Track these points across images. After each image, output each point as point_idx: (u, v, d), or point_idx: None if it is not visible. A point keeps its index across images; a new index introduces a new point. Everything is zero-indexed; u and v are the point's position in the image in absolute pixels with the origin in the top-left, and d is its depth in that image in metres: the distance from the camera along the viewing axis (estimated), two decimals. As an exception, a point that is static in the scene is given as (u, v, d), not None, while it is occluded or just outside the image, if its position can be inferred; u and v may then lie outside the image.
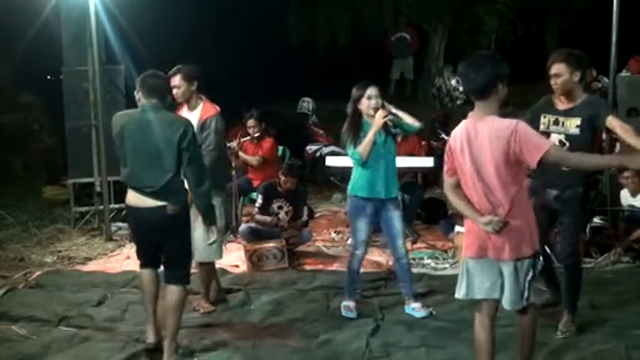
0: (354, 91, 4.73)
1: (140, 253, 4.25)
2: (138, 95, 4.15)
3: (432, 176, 8.68)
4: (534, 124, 4.17)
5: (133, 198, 4.02)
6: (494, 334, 3.44)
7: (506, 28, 12.03)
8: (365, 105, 4.66)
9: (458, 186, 3.39)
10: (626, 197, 6.18)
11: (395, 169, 4.81)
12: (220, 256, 4.92)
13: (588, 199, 4.46)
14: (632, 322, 4.44)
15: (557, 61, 4.13)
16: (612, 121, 4.07)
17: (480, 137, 3.22)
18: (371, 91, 4.67)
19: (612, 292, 5.05)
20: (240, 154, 7.16)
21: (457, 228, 5.97)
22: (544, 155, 3.08)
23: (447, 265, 5.97)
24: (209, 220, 4.10)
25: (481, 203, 3.27)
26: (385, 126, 4.65)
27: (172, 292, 4.05)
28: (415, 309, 4.75)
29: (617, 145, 6.25)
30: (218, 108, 4.76)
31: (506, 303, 3.34)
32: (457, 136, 3.33)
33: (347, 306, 4.79)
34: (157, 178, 3.91)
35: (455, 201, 3.42)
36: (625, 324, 4.43)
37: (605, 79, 8.82)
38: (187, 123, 4.01)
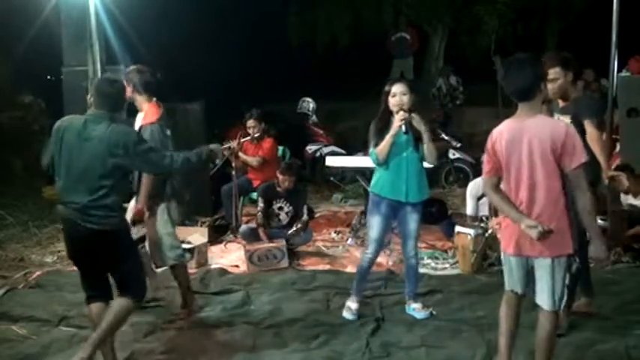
0: (385, 87, 4.58)
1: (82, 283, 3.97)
2: (90, 100, 3.96)
3: (432, 176, 8.70)
4: None
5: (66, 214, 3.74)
6: (517, 324, 3.61)
7: (506, 28, 12.03)
8: (391, 103, 4.52)
9: (498, 185, 3.47)
10: (626, 197, 6.18)
11: (420, 173, 4.63)
12: (184, 257, 4.95)
13: (597, 195, 4.47)
14: (632, 322, 4.45)
15: (552, 65, 4.14)
16: (587, 126, 4.10)
17: (531, 136, 3.31)
18: (396, 88, 4.50)
19: (612, 292, 5.05)
20: (240, 154, 7.16)
21: (457, 228, 5.97)
22: (580, 166, 3.24)
23: (447, 265, 5.97)
24: (199, 158, 3.99)
25: (525, 201, 3.35)
26: (412, 129, 4.50)
27: (119, 301, 3.82)
28: (416, 309, 4.75)
29: (617, 145, 6.26)
30: (157, 115, 4.55)
31: (542, 302, 3.43)
32: (501, 136, 3.40)
33: (349, 307, 4.77)
34: (82, 195, 3.64)
35: (497, 201, 3.48)
36: (625, 324, 4.44)
37: (605, 80, 8.86)
38: (128, 136, 3.71)
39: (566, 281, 3.42)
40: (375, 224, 4.67)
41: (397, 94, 4.49)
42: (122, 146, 3.63)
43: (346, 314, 4.75)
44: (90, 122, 3.70)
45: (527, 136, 3.32)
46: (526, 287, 3.51)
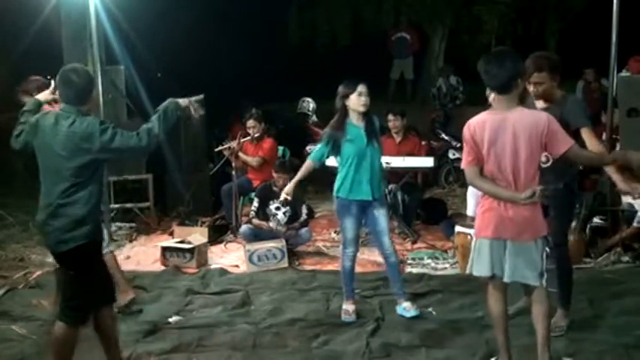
0: (342, 89, 4.72)
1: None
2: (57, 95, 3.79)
3: (432, 176, 8.70)
4: None
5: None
6: (506, 306, 3.74)
7: (507, 28, 12.04)
8: (354, 102, 4.65)
9: (482, 173, 3.57)
10: (626, 197, 6.17)
11: (380, 168, 4.80)
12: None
13: (575, 194, 4.49)
14: (632, 322, 4.44)
15: (540, 69, 4.12)
16: (586, 133, 4.09)
17: (512, 127, 3.44)
18: (362, 87, 4.66)
19: (612, 292, 5.05)
20: (240, 154, 7.16)
21: (457, 228, 5.97)
22: (569, 150, 3.44)
23: (447, 265, 5.97)
24: (164, 116, 3.62)
25: (511, 186, 3.49)
26: (370, 127, 4.70)
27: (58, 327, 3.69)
28: (405, 308, 4.74)
29: (617, 145, 6.25)
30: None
31: (532, 280, 3.55)
32: (481, 127, 3.52)
33: (346, 310, 4.77)
34: (52, 197, 3.51)
35: (486, 186, 3.57)
36: (625, 324, 4.43)
37: (605, 80, 8.85)
38: (92, 127, 3.48)
39: (545, 258, 3.57)
40: (348, 226, 4.76)
41: (363, 94, 4.65)
42: (87, 137, 3.44)
43: (345, 317, 4.74)
44: (60, 118, 3.53)
45: (510, 125, 3.45)
46: (501, 270, 3.59)
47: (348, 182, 4.70)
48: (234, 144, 7.07)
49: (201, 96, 3.86)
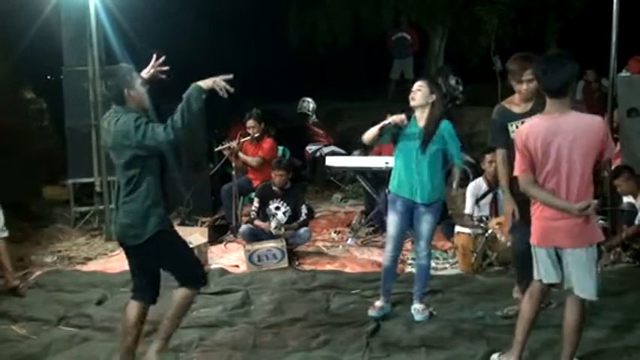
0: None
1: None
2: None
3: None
4: (503, 136, 4.30)
5: None
6: (539, 312, 3.75)
7: (506, 28, 12.02)
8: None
9: (536, 181, 3.51)
10: (626, 197, 6.17)
11: (430, 174, 4.56)
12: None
13: None
14: (632, 322, 4.45)
15: (530, 66, 4.04)
16: None
17: (567, 131, 3.38)
18: (415, 84, 4.63)
19: (612, 292, 5.04)
20: (240, 155, 7.17)
21: (457, 228, 5.97)
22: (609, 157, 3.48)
23: (447, 265, 5.97)
24: (188, 101, 3.64)
25: (565, 193, 3.43)
26: (429, 128, 4.54)
27: (179, 292, 3.91)
28: (417, 310, 4.72)
29: (617, 145, 6.25)
30: None
31: (580, 291, 3.50)
32: (534, 133, 3.45)
33: (375, 306, 4.78)
34: (118, 193, 3.75)
35: (541, 195, 3.51)
36: (625, 324, 4.44)
37: (605, 80, 8.85)
38: (128, 123, 3.59)
39: (598, 269, 3.52)
40: (391, 222, 4.70)
41: (414, 90, 4.57)
42: (126, 134, 3.58)
43: (371, 312, 4.74)
44: (111, 118, 3.72)
45: (566, 130, 3.38)
46: (557, 278, 3.58)
47: (397, 179, 4.66)
48: (234, 144, 7.07)
49: (230, 75, 3.85)
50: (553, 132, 3.41)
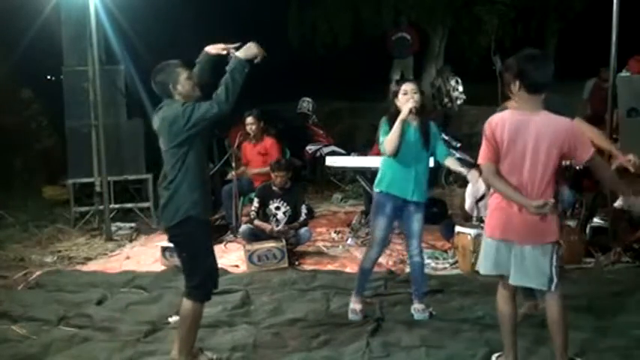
0: (392, 87, 4.67)
1: None
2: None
3: (432, 176, 8.69)
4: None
5: None
6: (515, 307, 3.73)
7: (506, 28, 12.03)
8: (401, 101, 4.54)
9: (498, 171, 3.53)
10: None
11: (426, 174, 4.64)
12: None
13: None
14: (632, 322, 4.44)
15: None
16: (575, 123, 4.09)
17: (535, 129, 3.41)
18: (407, 86, 4.58)
19: (612, 292, 5.05)
20: (250, 170, 7.17)
21: (457, 228, 5.97)
22: (592, 156, 3.40)
23: (447, 265, 5.97)
24: (232, 72, 3.78)
25: (524, 189, 3.46)
26: (423, 127, 4.55)
27: (183, 302, 3.94)
28: (417, 310, 4.71)
29: (617, 145, 6.25)
30: None
31: (542, 285, 3.52)
32: (502, 125, 3.48)
33: (353, 309, 4.75)
34: (163, 179, 3.90)
35: (501, 186, 3.52)
36: (625, 324, 4.43)
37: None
38: (177, 108, 3.76)
39: (555, 264, 3.52)
40: (379, 225, 4.65)
41: (408, 92, 4.53)
42: (174, 119, 3.73)
43: (352, 316, 4.73)
44: (160, 111, 3.87)
45: (534, 128, 3.41)
46: (507, 271, 3.59)
47: (391, 177, 4.60)
48: (233, 148, 7.00)
49: (238, 43, 4.04)
50: (521, 128, 3.44)
